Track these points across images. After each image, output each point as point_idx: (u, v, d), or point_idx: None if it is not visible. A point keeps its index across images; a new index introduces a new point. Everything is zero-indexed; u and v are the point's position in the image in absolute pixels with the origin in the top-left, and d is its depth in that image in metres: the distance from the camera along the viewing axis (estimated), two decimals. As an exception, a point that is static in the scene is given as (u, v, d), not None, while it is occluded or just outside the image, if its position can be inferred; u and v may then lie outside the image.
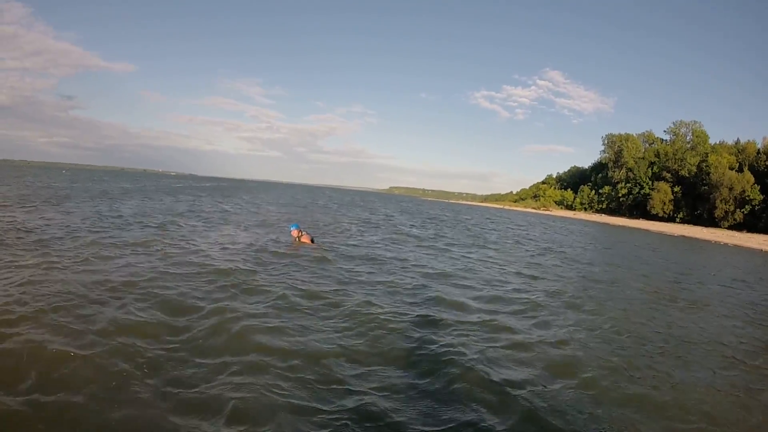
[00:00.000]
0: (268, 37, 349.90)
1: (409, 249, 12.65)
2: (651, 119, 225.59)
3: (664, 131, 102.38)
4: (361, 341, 4.72)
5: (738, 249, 39.84)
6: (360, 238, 14.45)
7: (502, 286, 8.67)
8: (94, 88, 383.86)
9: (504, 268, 11.10)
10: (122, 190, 31.10)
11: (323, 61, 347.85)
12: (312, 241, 11.18)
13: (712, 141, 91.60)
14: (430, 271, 9.49)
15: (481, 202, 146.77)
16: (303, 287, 6.67)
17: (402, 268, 9.55)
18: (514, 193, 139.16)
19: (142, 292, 5.61)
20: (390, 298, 6.74)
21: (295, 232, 11.11)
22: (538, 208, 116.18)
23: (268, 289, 6.34)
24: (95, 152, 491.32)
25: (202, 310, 5.23)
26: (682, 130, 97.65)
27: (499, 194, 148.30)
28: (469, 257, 12.46)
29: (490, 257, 13.08)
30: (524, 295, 7.91)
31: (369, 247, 12.21)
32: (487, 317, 6.19)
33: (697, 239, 52.17)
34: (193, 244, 9.80)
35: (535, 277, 10.04)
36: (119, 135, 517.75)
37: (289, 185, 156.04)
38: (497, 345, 5.07)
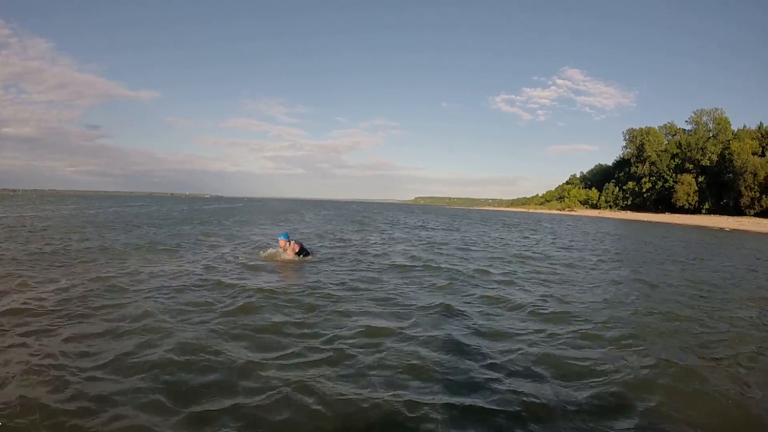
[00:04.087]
0: (287, 57, 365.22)
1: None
2: (674, 110, 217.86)
3: (686, 121, 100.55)
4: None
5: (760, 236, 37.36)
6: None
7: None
8: (119, 117, 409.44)
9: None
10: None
11: (343, 78, 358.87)
12: (299, 253, 9.82)
13: (735, 127, 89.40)
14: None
15: (508, 206, 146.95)
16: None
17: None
18: (540, 195, 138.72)
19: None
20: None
21: (282, 243, 9.76)
22: (563, 209, 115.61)
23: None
24: (123, 179, 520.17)
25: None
26: (704, 118, 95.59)
27: (525, 198, 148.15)
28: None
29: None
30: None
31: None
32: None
33: (722, 229, 50.12)
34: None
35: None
36: (146, 161, 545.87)
37: (315, 201, 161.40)
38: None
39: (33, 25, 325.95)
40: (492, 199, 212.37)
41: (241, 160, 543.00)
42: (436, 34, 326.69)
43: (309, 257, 10.15)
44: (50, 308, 5.67)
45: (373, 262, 10.73)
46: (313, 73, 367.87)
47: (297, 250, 9.80)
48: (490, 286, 8.57)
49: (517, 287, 8.60)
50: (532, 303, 7.10)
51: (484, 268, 10.63)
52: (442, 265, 10.76)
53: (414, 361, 4.32)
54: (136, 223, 21.21)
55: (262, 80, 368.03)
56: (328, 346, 4.67)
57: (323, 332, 5.16)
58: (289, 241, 9.91)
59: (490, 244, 17.57)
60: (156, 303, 6.11)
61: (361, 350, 4.58)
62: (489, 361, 4.48)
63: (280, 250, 9.88)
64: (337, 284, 7.92)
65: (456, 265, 11.07)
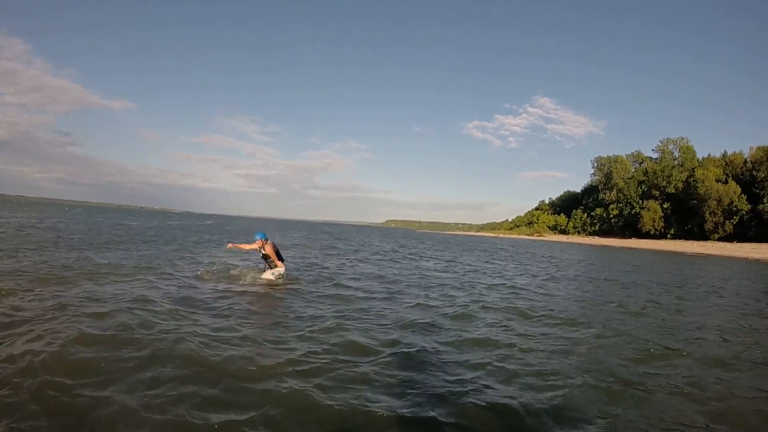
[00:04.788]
0: (262, 72, 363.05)
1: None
2: (642, 139, 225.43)
3: (653, 150, 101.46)
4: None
5: (722, 259, 38.28)
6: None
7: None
8: (91, 125, 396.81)
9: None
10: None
11: (317, 96, 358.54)
12: (277, 254, 9.04)
13: (700, 155, 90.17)
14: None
15: (477, 231, 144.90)
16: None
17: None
18: (510, 220, 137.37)
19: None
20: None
21: (258, 242, 8.80)
22: (532, 234, 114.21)
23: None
24: (92, 189, 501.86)
25: None
26: (670, 147, 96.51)
27: (495, 223, 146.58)
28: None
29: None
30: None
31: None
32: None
33: (685, 253, 50.46)
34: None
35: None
36: (116, 172, 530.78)
37: (286, 222, 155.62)
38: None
39: (10, 25, 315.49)
40: (462, 224, 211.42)
41: (212, 177, 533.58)
42: (411, 59, 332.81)
43: (282, 268, 9.18)
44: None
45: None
46: (286, 88, 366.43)
47: (274, 249, 9.02)
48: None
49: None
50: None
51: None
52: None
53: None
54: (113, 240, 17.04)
55: (236, 96, 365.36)
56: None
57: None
58: (266, 240, 8.93)
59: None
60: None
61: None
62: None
63: (256, 247, 8.94)
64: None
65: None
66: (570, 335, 6.03)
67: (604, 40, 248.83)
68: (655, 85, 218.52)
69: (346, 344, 4.93)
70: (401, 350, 4.83)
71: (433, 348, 5.01)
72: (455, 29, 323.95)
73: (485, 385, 3.97)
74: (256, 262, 11.11)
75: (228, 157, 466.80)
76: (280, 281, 8.87)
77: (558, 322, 6.87)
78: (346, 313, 6.50)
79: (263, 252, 8.90)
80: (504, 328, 6.25)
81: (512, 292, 9.99)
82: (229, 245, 9.48)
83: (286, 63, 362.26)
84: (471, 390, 3.82)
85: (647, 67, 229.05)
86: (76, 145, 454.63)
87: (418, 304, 7.75)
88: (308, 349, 4.63)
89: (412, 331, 5.73)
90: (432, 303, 7.95)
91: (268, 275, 8.88)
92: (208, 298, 7.00)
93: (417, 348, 4.90)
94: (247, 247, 9.15)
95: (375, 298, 8.15)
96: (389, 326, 5.95)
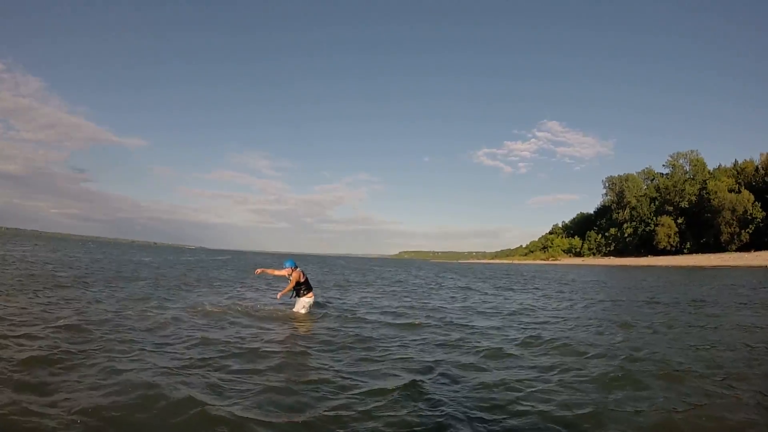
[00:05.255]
0: (271, 107, 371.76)
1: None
2: (651, 155, 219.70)
3: (663, 165, 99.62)
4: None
5: (743, 269, 35.86)
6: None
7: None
8: (105, 162, 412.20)
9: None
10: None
11: (326, 130, 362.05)
12: (305, 284, 8.77)
13: (710, 166, 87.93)
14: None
15: (492, 259, 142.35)
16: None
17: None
18: (524, 246, 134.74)
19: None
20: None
21: (287, 270, 8.62)
22: (547, 259, 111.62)
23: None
24: (105, 224, 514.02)
25: None
26: (680, 161, 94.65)
27: (509, 249, 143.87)
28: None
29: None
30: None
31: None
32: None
33: (705, 267, 48.04)
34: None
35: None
36: (129, 208, 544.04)
37: (300, 256, 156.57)
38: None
39: (26, 62, 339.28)
40: (476, 252, 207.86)
41: (225, 212, 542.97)
42: (416, 88, 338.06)
43: (311, 298, 8.90)
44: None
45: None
46: (295, 123, 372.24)
47: (302, 280, 8.73)
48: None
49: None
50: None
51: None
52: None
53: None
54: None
55: (246, 132, 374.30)
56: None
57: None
58: (295, 268, 8.71)
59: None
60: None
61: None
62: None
63: (285, 274, 8.80)
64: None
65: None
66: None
67: (606, 56, 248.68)
68: (660, 99, 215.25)
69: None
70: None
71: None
72: (457, 57, 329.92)
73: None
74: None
75: (240, 193, 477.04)
76: (305, 311, 8.68)
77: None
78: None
79: (291, 279, 8.60)
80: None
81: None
82: (258, 270, 9.58)
83: (295, 98, 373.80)
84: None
85: (651, 80, 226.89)
86: (90, 182, 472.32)
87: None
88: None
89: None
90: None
91: (299, 308, 8.68)
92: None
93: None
94: (277, 272, 9.04)
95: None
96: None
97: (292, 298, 8.81)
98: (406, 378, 4.58)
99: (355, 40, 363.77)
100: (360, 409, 3.70)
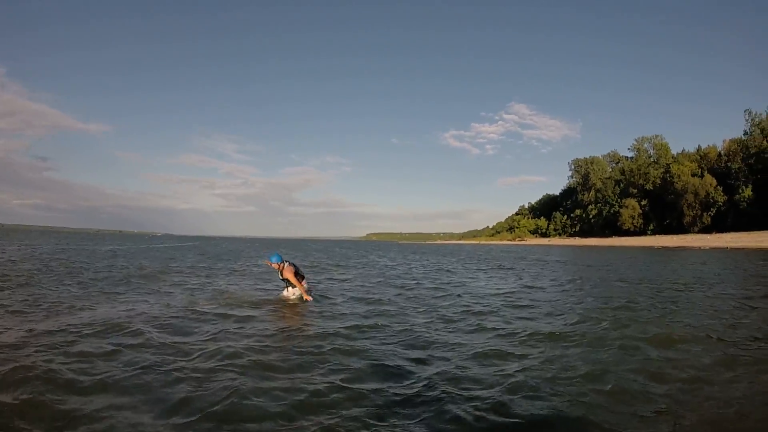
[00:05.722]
0: (237, 88, 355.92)
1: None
2: (617, 139, 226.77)
3: (628, 149, 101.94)
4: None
5: (704, 251, 37.30)
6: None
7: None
8: (69, 150, 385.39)
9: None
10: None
11: (294, 110, 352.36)
12: (297, 275, 8.05)
13: (674, 151, 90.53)
14: None
15: (459, 239, 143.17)
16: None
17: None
18: (491, 227, 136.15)
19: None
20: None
21: (275, 265, 8.02)
22: (514, 239, 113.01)
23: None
24: (70, 214, 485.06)
25: None
26: (645, 145, 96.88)
27: (476, 230, 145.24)
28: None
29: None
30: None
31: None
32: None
33: (668, 248, 49.51)
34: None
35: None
36: (94, 196, 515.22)
37: (268, 240, 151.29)
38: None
39: None
40: (443, 233, 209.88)
41: (191, 198, 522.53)
42: (386, 71, 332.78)
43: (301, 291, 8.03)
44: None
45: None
46: (263, 104, 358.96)
47: (294, 272, 7.97)
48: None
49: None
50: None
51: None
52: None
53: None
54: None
55: (213, 114, 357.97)
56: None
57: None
58: (283, 263, 7.97)
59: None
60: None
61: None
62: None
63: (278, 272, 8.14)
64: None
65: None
66: None
67: (576, 40, 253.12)
68: (626, 85, 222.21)
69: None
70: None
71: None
72: (425, 37, 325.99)
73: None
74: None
75: (207, 177, 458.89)
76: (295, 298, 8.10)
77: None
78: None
79: (281, 276, 8.09)
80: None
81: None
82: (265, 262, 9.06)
83: (261, 77, 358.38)
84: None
85: (618, 65, 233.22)
86: (53, 170, 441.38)
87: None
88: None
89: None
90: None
91: (290, 294, 8.19)
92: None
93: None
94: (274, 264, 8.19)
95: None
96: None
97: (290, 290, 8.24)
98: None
99: (321, 19, 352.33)
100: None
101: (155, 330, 5.32)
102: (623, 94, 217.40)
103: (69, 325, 5.41)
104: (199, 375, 3.69)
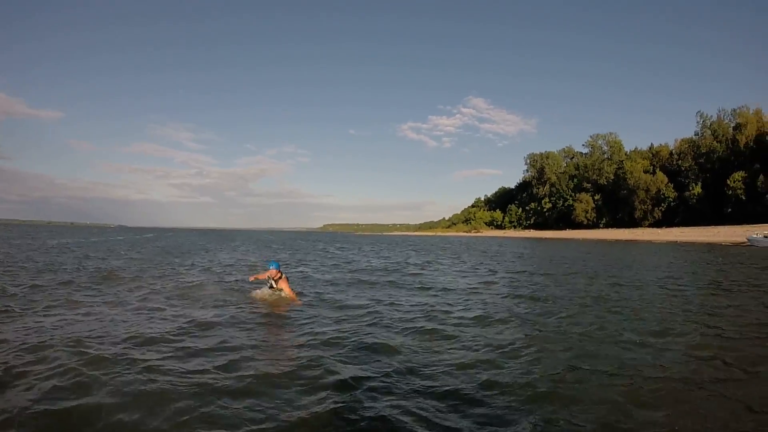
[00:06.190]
0: (193, 73, 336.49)
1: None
2: (572, 135, 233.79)
3: (583, 145, 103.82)
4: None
5: (656, 244, 37.39)
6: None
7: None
8: (18, 137, 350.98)
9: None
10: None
11: (249, 98, 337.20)
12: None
13: (627, 148, 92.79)
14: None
15: (415, 231, 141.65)
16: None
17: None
18: (447, 219, 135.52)
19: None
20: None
21: (273, 272, 7.79)
22: (469, 231, 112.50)
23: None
24: (20, 206, 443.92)
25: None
26: (599, 142, 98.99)
27: (432, 222, 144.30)
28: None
29: None
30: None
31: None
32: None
33: (620, 240, 49.79)
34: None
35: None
36: (45, 186, 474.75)
37: (225, 231, 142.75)
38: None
39: None
40: (400, 224, 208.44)
41: (145, 188, 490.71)
42: (344, 59, 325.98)
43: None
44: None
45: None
46: (218, 91, 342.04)
47: (287, 283, 7.98)
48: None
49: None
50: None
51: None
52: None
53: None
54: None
55: (167, 102, 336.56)
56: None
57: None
58: (281, 273, 7.95)
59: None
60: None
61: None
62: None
63: (266, 276, 8.07)
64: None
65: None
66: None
67: (533, 33, 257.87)
68: (582, 82, 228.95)
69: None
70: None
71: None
72: (384, 25, 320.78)
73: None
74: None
75: (161, 167, 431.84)
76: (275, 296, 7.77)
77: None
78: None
79: (274, 285, 7.83)
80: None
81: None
82: (252, 278, 8.85)
83: (214, 64, 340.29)
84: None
85: (575, 63, 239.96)
86: (2, 159, 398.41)
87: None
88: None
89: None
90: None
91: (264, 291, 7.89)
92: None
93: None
94: (261, 276, 8.35)
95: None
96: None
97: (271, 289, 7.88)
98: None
99: (278, 4, 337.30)
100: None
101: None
102: (579, 90, 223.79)
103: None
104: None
